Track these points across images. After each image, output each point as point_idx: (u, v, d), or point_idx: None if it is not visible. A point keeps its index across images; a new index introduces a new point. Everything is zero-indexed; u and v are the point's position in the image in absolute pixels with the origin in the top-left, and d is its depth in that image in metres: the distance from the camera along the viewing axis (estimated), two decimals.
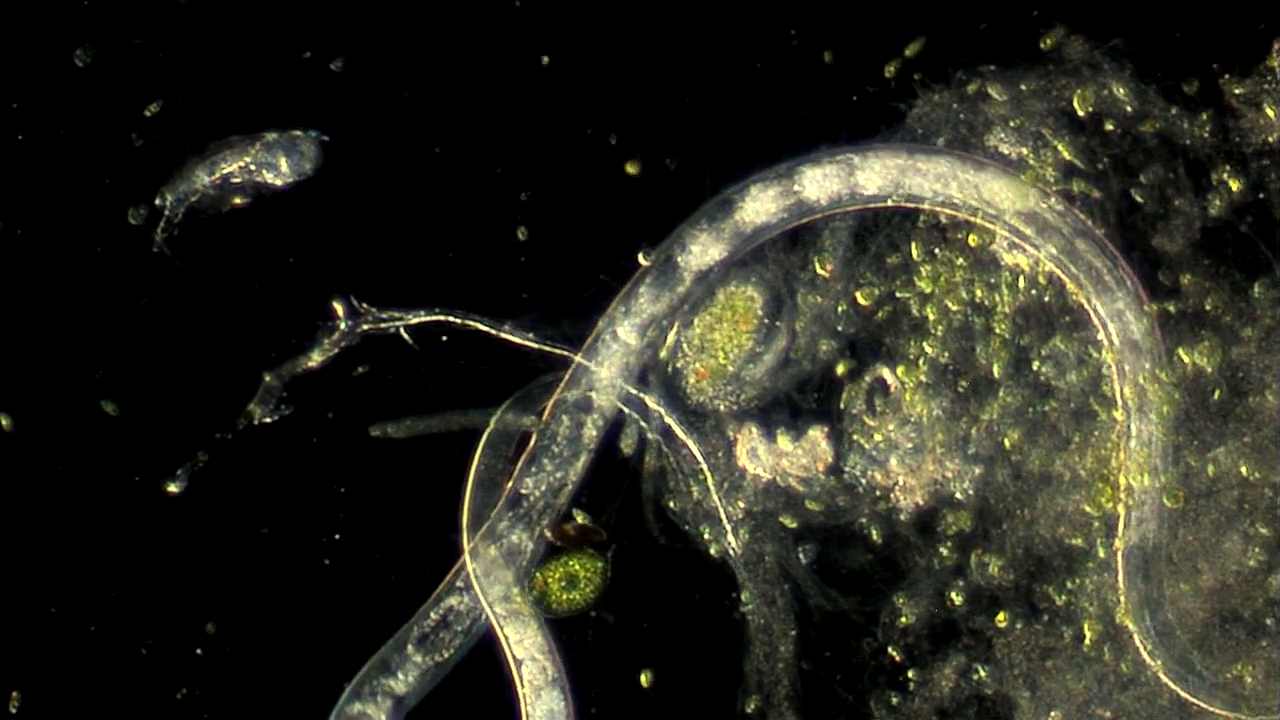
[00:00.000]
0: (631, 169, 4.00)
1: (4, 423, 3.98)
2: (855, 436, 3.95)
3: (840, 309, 3.94)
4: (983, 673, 3.97)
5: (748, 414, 3.96)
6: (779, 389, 3.97)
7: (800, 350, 3.95)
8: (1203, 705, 3.90)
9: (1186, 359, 3.89)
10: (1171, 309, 3.89)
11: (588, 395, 3.92)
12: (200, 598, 4.02)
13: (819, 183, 3.93)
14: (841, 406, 3.96)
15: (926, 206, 3.91)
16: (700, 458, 3.94)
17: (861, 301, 3.94)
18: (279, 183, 3.93)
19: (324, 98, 3.97)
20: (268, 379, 3.92)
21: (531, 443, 3.96)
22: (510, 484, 3.96)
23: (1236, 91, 3.91)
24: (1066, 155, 3.88)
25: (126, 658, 4.02)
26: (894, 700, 3.98)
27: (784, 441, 3.95)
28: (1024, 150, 3.90)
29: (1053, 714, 3.96)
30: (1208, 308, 3.90)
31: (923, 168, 3.91)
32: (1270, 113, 3.90)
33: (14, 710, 3.97)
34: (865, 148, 3.93)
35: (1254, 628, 3.93)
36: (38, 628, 4.01)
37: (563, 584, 3.96)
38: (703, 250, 3.94)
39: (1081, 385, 3.92)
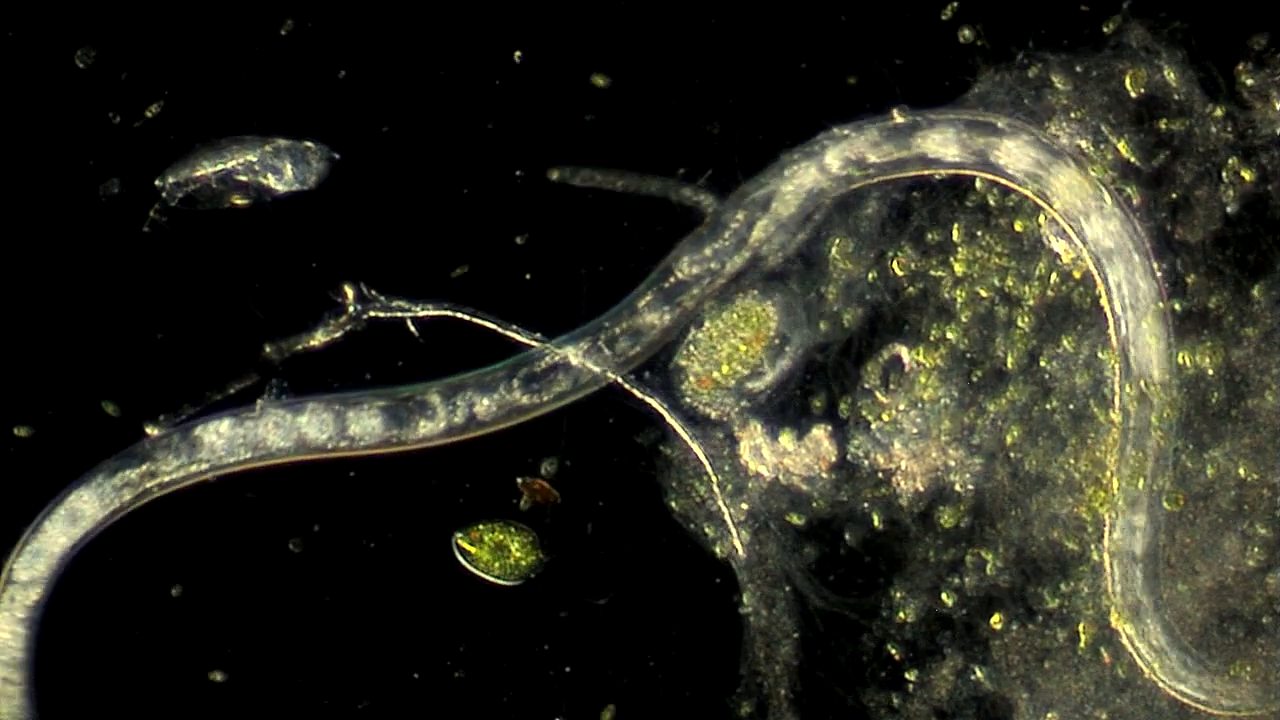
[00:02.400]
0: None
1: (21, 432, 4.00)
2: (864, 413, 3.95)
3: (871, 277, 3.92)
4: (980, 674, 4.00)
5: (752, 412, 3.96)
6: (774, 404, 3.95)
7: (823, 314, 3.92)
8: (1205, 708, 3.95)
9: (1188, 361, 3.88)
10: (1177, 307, 3.88)
11: (770, 193, 3.87)
12: (201, 599, 4.06)
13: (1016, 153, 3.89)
14: (857, 377, 3.95)
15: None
16: (706, 462, 3.94)
17: (897, 271, 3.91)
18: (280, 188, 3.91)
19: (324, 111, 3.96)
20: (268, 350, 3.93)
21: (703, 225, 3.92)
22: (665, 259, 3.93)
23: (1248, 83, 3.88)
24: (1124, 153, 3.85)
25: (127, 656, 4.06)
26: (893, 701, 4.01)
27: (787, 440, 3.96)
28: (1083, 143, 3.86)
29: (1050, 715, 3.99)
30: (1211, 305, 3.89)
31: (1109, 227, 3.86)
32: (1278, 105, 3.87)
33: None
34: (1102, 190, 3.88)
35: (1252, 626, 3.96)
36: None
37: (493, 545, 3.97)
38: (942, 142, 3.88)
39: (1085, 389, 3.92)
